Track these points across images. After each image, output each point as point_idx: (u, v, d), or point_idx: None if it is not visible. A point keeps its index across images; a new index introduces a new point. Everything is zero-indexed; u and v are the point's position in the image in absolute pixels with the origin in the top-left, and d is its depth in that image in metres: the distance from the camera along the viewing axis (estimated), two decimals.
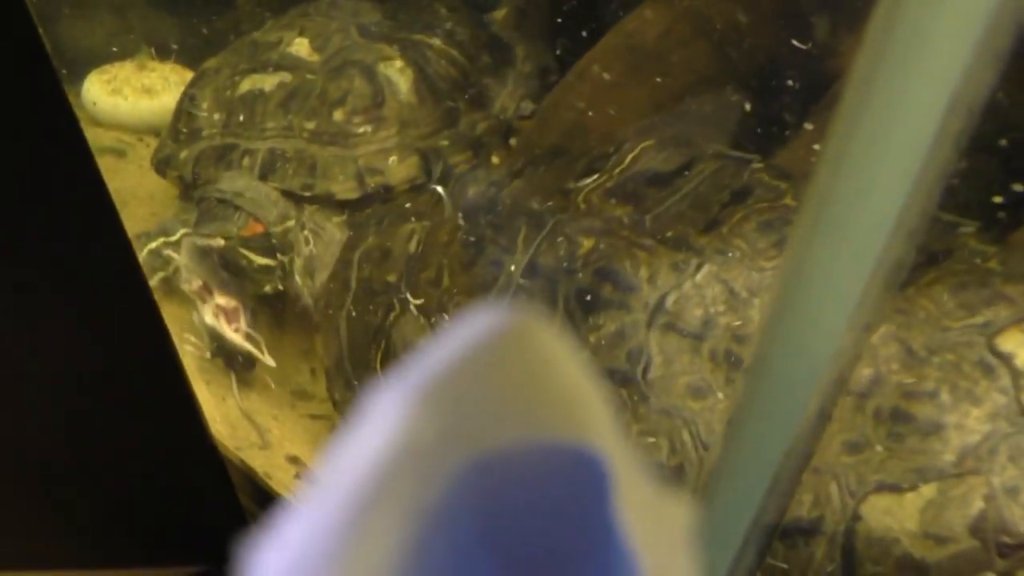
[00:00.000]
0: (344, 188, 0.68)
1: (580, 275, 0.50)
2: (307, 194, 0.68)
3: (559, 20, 0.82)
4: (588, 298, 0.48)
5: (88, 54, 0.96)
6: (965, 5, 0.15)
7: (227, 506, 0.64)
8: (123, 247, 0.47)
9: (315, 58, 0.72)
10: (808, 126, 0.58)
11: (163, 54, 0.99)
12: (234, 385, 0.68)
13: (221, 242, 0.65)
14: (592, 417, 0.12)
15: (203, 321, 0.66)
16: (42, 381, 0.50)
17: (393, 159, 0.68)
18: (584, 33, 0.74)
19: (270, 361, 0.66)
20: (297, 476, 0.67)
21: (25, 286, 0.45)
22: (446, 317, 0.55)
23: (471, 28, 0.79)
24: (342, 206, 0.70)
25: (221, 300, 0.65)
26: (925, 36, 0.16)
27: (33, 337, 0.48)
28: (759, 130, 0.59)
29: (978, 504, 0.41)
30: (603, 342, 0.47)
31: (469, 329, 0.11)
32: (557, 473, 0.13)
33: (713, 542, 0.29)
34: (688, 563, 0.12)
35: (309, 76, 0.71)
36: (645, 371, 0.45)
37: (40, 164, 0.42)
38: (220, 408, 0.70)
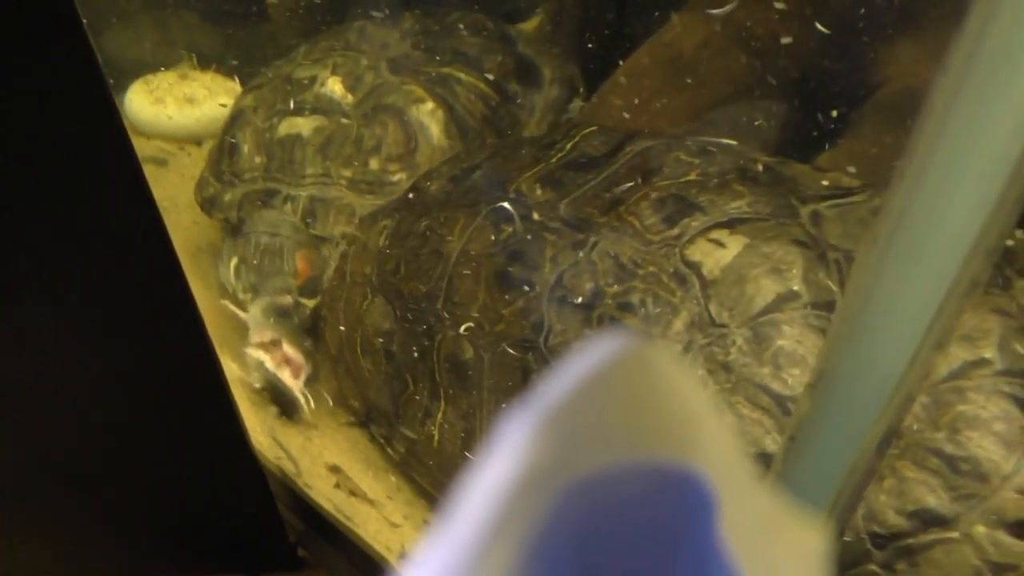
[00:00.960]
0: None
1: (498, 258, 0.53)
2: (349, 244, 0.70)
3: (591, 30, 0.82)
4: (503, 278, 0.53)
5: (132, 64, 0.98)
6: None
7: (266, 516, 0.65)
8: (169, 256, 0.48)
9: (349, 99, 0.73)
10: (845, 134, 0.58)
11: (204, 64, 1.01)
12: (270, 418, 0.70)
13: (289, 299, 0.68)
14: (702, 441, 0.12)
15: (261, 363, 0.67)
16: (86, 389, 0.50)
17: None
18: (617, 41, 0.75)
19: (309, 416, 0.69)
20: (337, 486, 0.68)
21: (72, 295, 0.46)
22: (402, 301, 0.59)
23: (497, 53, 0.79)
24: None
25: (290, 352, 0.67)
26: (1011, 59, 0.16)
27: (79, 345, 0.48)
28: (796, 139, 0.59)
29: None
30: (514, 316, 0.51)
31: (591, 355, 0.11)
32: (658, 494, 0.13)
33: None
34: None
35: (344, 121, 0.72)
36: (546, 339, 0.49)
37: (89, 173, 0.42)
38: (260, 418, 0.71)
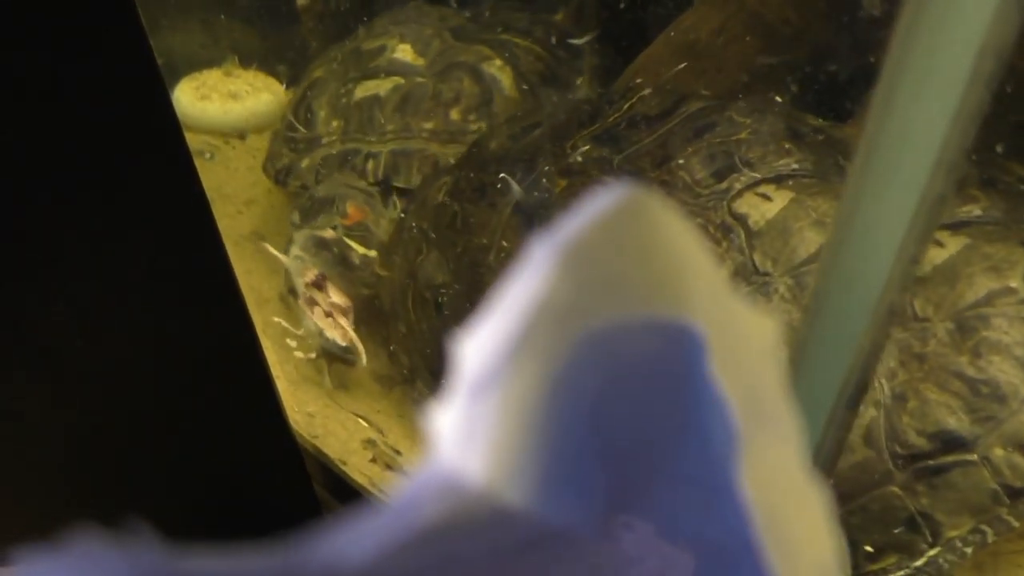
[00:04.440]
0: None
1: (552, 210, 0.55)
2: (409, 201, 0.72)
3: (613, 19, 0.86)
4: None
5: (180, 62, 1.02)
6: None
7: (302, 496, 0.67)
8: (215, 243, 0.50)
9: (420, 62, 0.77)
10: (855, 117, 0.61)
11: (246, 62, 1.06)
12: (327, 379, 0.71)
13: (331, 232, 0.69)
14: (696, 289, 0.13)
15: (315, 330, 0.67)
16: (135, 367, 0.52)
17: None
18: (636, 31, 0.78)
19: (364, 361, 0.69)
20: (373, 460, 0.71)
21: (125, 276, 0.48)
22: (456, 254, 0.61)
23: (543, 25, 0.83)
24: None
25: (335, 297, 0.67)
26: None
27: (130, 323, 0.50)
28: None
29: (871, 412, 0.43)
30: None
31: (598, 201, 0.12)
32: (659, 346, 0.13)
33: None
34: (779, 395, 0.15)
35: (419, 79, 0.76)
36: None
37: (145, 164, 0.45)
38: (296, 397, 0.74)
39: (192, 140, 1.01)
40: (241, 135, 1.01)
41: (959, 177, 0.23)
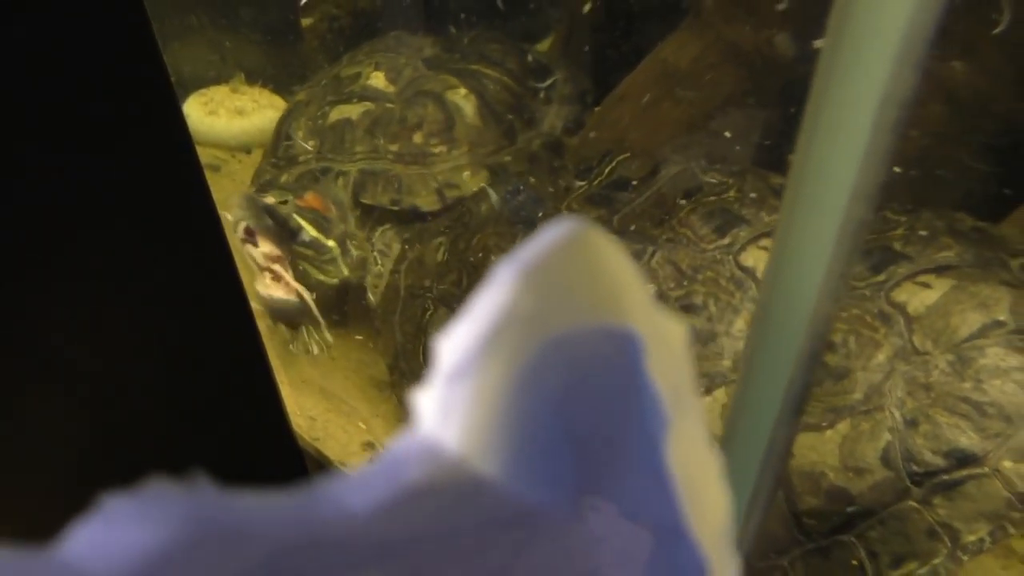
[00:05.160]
0: (427, 201, 0.77)
1: None
2: (395, 208, 0.77)
3: (598, 47, 0.90)
4: None
5: (189, 78, 1.06)
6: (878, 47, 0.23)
7: None
8: (224, 252, 0.52)
9: (391, 89, 0.82)
10: None
11: (252, 79, 1.10)
12: (298, 347, 0.73)
13: (272, 200, 0.72)
14: (633, 303, 0.15)
15: (258, 294, 0.71)
16: (142, 370, 0.53)
17: (466, 174, 0.78)
18: (620, 58, 0.82)
19: (318, 315, 0.72)
20: (372, 462, 0.74)
21: (137, 283, 0.49)
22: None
23: (516, 57, 0.88)
24: (415, 220, 0.79)
25: (265, 247, 0.70)
26: (861, 59, 0.24)
27: (140, 329, 0.51)
28: (780, 143, 0.66)
29: (885, 437, 0.47)
30: None
31: (550, 231, 0.14)
32: (607, 350, 0.15)
33: (735, 468, 0.36)
34: (691, 385, 0.18)
35: (388, 105, 0.81)
36: None
37: (158, 175, 0.46)
38: (298, 401, 0.78)
39: (200, 153, 1.04)
40: (246, 149, 1.05)
41: (877, 206, 0.27)
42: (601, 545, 0.16)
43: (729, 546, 0.18)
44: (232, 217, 0.71)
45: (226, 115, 1.04)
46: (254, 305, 0.72)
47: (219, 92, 1.08)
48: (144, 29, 0.41)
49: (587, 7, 0.86)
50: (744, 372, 0.33)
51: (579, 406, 0.16)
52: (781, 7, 0.63)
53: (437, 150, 0.78)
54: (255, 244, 0.71)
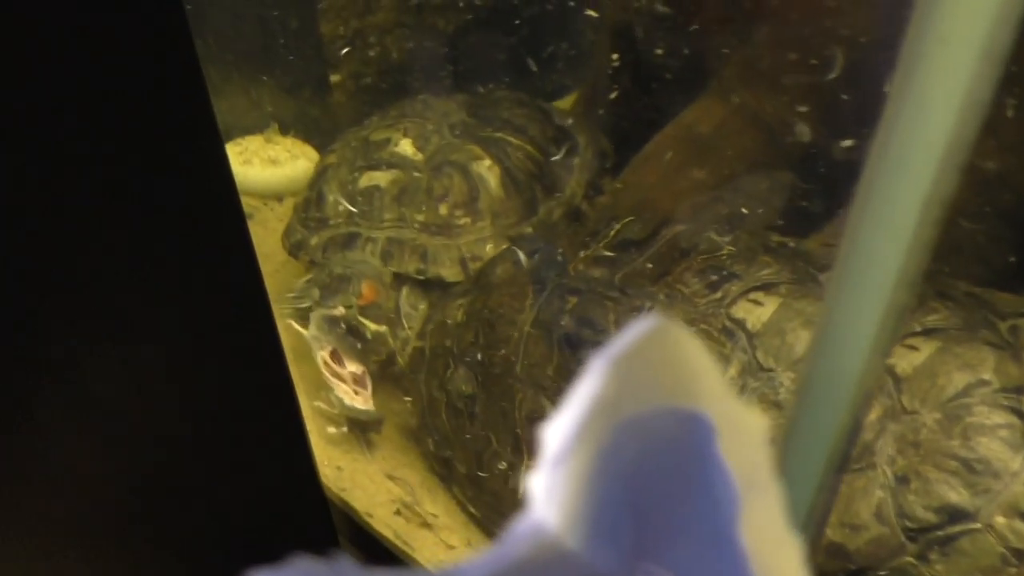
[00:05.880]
0: (451, 272, 0.80)
1: (566, 323, 0.62)
2: (421, 277, 0.80)
3: (620, 110, 0.93)
4: (574, 340, 0.62)
5: (225, 128, 1.08)
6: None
7: (326, 547, 0.69)
8: (263, 302, 0.53)
9: (419, 157, 0.85)
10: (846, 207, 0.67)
11: (285, 130, 1.13)
12: (365, 448, 0.77)
13: (343, 311, 0.75)
14: (707, 389, 0.17)
15: (340, 402, 0.74)
16: (177, 416, 0.53)
17: (489, 247, 0.81)
18: (641, 122, 0.85)
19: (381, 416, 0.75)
20: (398, 513, 0.75)
21: (176, 330, 0.49)
22: (482, 367, 0.68)
23: (539, 123, 0.91)
24: (432, 287, 0.81)
25: (352, 367, 0.74)
26: (908, 162, 0.25)
27: (176, 375, 0.51)
28: (804, 209, 0.68)
29: (878, 494, 0.49)
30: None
31: (636, 327, 0.16)
32: (678, 432, 0.17)
33: None
34: (769, 470, 0.19)
35: (416, 174, 0.83)
36: None
37: (202, 224, 0.47)
38: (326, 451, 0.79)
39: None
40: (279, 198, 1.07)
41: (918, 292, 0.29)
42: None
43: None
44: (311, 336, 0.75)
45: (260, 164, 1.07)
46: (319, 404, 0.75)
47: (254, 142, 1.10)
48: (196, 75, 0.44)
49: (610, 71, 0.89)
50: (785, 443, 0.35)
51: (645, 480, 0.17)
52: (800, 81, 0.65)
53: (462, 222, 0.81)
54: (342, 365, 0.75)
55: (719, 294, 0.58)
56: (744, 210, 0.69)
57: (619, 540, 0.17)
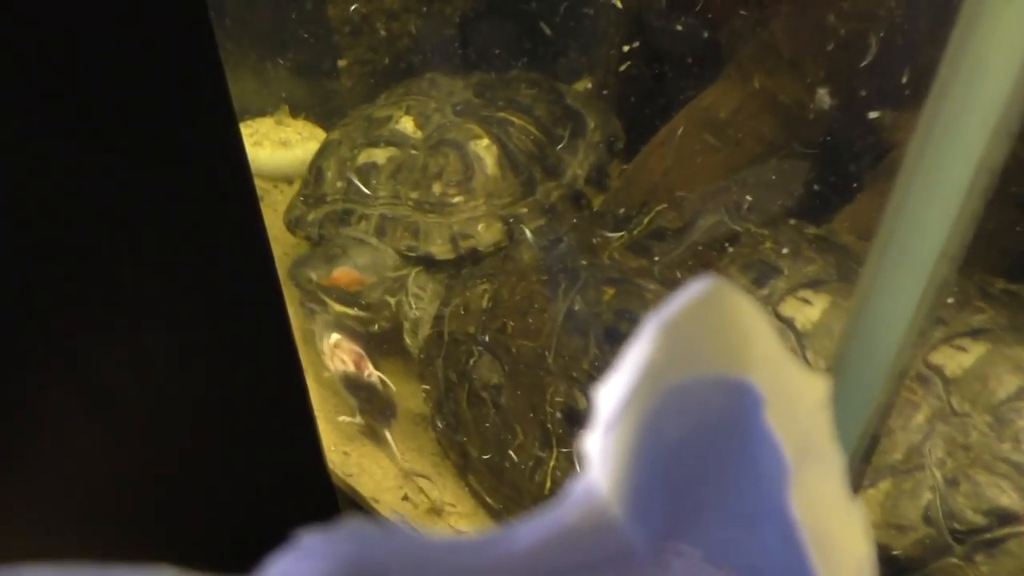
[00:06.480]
0: (441, 250, 0.79)
1: (604, 316, 0.60)
2: (411, 254, 0.79)
3: (634, 93, 0.92)
4: (612, 334, 0.60)
5: (236, 110, 1.08)
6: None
7: None
8: (274, 286, 0.52)
9: (418, 135, 0.84)
10: (863, 192, 0.66)
11: (296, 112, 1.13)
12: (391, 443, 0.76)
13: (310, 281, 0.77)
14: (759, 355, 0.16)
15: (337, 372, 0.75)
16: (187, 400, 0.53)
17: (481, 226, 0.80)
18: (655, 105, 0.84)
19: (393, 388, 0.75)
20: (405, 498, 0.74)
21: (185, 315, 0.49)
22: (510, 357, 0.66)
23: (548, 104, 0.90)
24: (440, 266, 0.81)
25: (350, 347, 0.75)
26: (960, 127, 0.25)
27: (185, 358, 0.51)
28: (820, 194, 0.68)
29: (927, 495, 0.49)
30: None
31: (690, 288, 0.15)
32: (725, 399, 0.16)
33: None
34: (827, 437, 0.17)
35: (413, 151, 0.83)
36: None
37: (216, 208, 0.46)
38: (332, 436, 0.78)
39: None
40: (289, 180, 1.07)
41: (959, 265, 0.28)
42: None
43: None
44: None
45: (271, 146, 1.06)
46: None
47: (264, 124, 1.10)
48: (212, 52, 0.43)
49: (625, 52, 0.88)
50: None
51: (686, 452, 0.17)
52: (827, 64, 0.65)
53: (455, 200, 0.80)
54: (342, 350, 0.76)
55: (766, 290, 0.56)
56: (759, 197, 0.68)
57: (653, 516, 0.16)
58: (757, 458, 0.17)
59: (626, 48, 0.87)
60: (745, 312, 0.16)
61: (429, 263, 0.81)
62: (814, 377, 0.18)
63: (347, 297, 0.79)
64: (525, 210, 0.81)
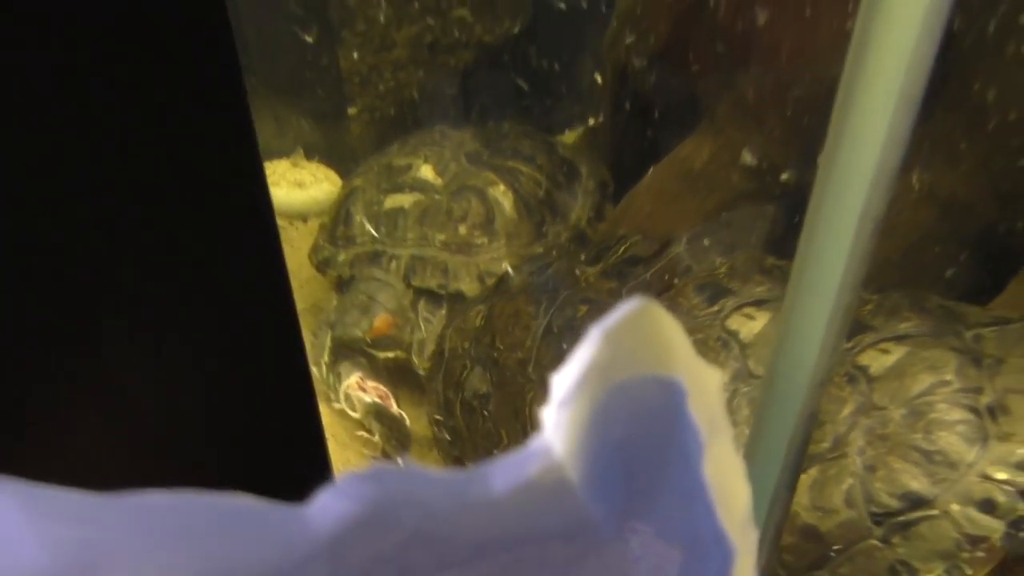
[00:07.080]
0: (470, 288, 0.87)
1: (577, 329, 0.67)
2: (442, 292, 0.86)
3: (620, 145, 1.00)
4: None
5: None
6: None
7: None
8: (290, 313, 0.56)
9: (439, 181, 0.92)
10: None
11: (310, 155, 1.21)
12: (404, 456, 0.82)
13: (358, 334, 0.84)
14: (680, 357, 0.18)
15: (364, 405, 0.81)
16: (201, 416, 0.52)
17: (504, 264, 0.87)
18: (639, 155, 0.91)
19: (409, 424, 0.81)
20: None
21: (206, 338, 0.49)
22: (498, 368, 0.73)
23: (547, 153, 0.98)
24: (457, 301, 0.88)
25: (375, 393, 0.81)
26: (846, 185, 0.32)
27: (203, 377, 0.50)
28: (781, 235, 0.75)
29: (848, 480, 0.55)
30: None
31: (626, 305, 0.17)
32: (657, 396, 0.18)
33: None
34: (722, 413, 0.21)
35: (436, 196, 0.90)
36: None
37: (239, 239, 0.47)
38: (342, 456, 0.83)
39: None
40: (304, 218, 1.14)
41: (861, 290, 0.35)
42: (638, 564, 0.19)
43: (750, 526, 0.24)
44: (343, 399, 0.82)
45: (287, 187, 1.14)
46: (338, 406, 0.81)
47: (281, 165, 1.18)
48: (242, 100, 0.46)
49: (610, 109, 0.96)
50: (754, 428, 0.41)
51: (632, 442, 0.19)
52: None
53: (479, 241, 0.88)
54: (365, 390, 0.82)
55: (716, 307, 0.63)
56: (730, 241, 0.75)
57: (610, 497, 0.18)
58: (685, 441, 0.19)
59: (612, 104, 0.94)
60: (668, 324, 0.19)
61: (457, 299, 0.87)
62: (713, 370, 0.24)
63: (386, 342, 0.86)
64: (540, 250, 0.89)
